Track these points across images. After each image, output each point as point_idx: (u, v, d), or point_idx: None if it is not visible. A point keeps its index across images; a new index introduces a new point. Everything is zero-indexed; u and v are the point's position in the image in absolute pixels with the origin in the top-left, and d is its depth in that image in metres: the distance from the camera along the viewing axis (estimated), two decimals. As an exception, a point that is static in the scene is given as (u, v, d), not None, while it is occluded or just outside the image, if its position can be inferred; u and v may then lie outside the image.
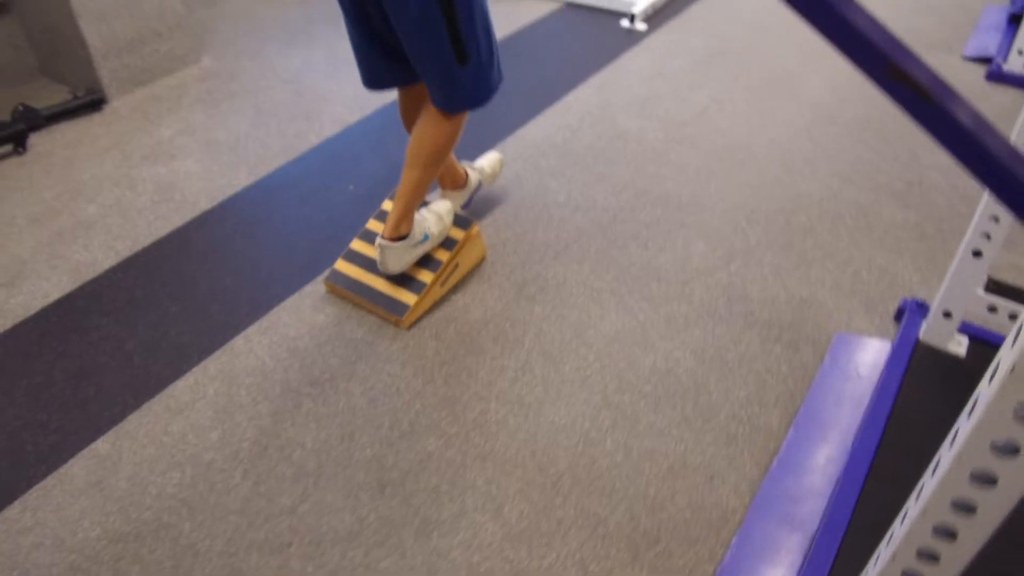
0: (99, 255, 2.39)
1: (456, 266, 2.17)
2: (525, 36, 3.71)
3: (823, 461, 1.70)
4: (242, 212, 2.55)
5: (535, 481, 1.67)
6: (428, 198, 2.29)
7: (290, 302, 2.17)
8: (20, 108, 3.03)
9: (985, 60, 3.30)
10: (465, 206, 2.38)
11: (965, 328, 1.94)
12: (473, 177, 2.38)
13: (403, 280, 2.10)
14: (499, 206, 2.52)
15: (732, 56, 3.39)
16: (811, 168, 2.64)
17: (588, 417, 1.81)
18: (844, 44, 0.58)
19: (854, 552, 1.41)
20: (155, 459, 1.76)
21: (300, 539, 1.58)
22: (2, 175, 2.81)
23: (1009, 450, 0.81)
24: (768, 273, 2.20)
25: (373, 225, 2.23)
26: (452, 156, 2.27)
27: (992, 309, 1.87)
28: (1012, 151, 0.57)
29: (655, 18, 3.80)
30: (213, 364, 1.99)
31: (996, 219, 1.68)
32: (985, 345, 1.92)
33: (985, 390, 0.83)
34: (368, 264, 2.14)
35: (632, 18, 3.70)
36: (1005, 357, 0.80)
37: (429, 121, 1.93)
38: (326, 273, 2.20)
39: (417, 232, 2.05)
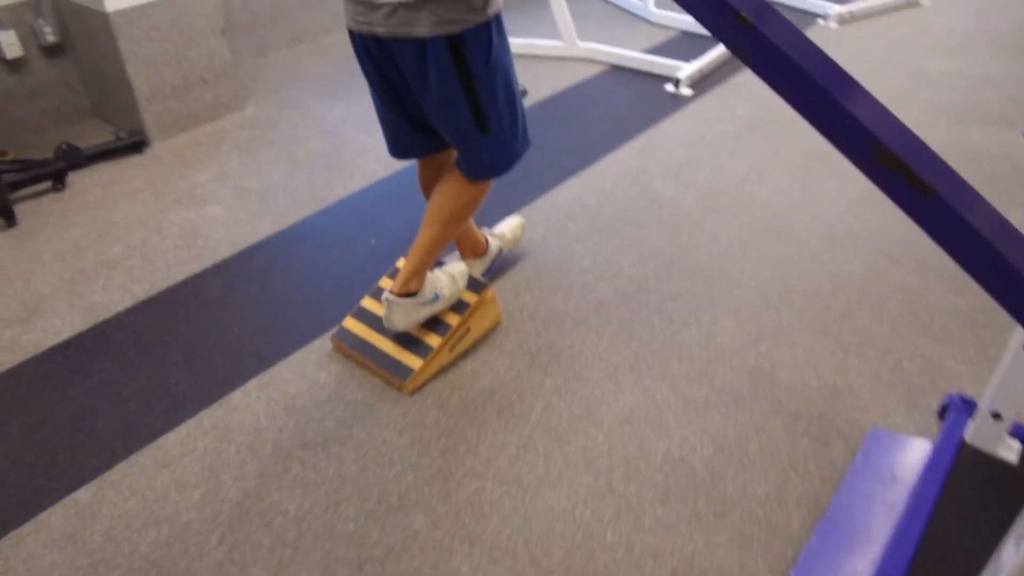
0: (115, 296, 2.37)
1: (467, 331, 2.08)
2: (567, 97, 3.67)
3: (848, 575, 1.53)
4: (261, 261, 2.51)
5: (525, 573, 1.54)
6: (445, 259, 2.22)
7: (295, 357, 2.10)
8: (63, 147, 3.09)
9: (1049, 141, 3.12)
10: (486, 273, 2.32)
11: (1017, 431, 1.76)
12: (494, 245, 2.33)
13: (410, 343, 2.02)
14: (520, 269, 2.43)
15: (777, 126, 3.29)
16: (854, 246, 2.50)
17: (590, 505, 1.67)
18: (820, 117, 0.48)
19: None
20: (134, 514, 1.69)
21: (267, 618, 1.47)
22: (39, 211, 2.85)
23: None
24: (800, 357, 2.05)
25: (386, 283, 2.17)
26: (472, 223, 2.22)
27: (1047, 414, 1.69)
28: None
29: (701, 84, 3.73)
30: (208, 417, 1.92)
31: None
32: (1039, 454, 1.73)
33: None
34: (376, 323, 2.06)
35: (677, 83, 3.64)
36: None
37: (453, 182, 1.90)
38: (335, 329, 2.13)
39: (427, 291, 1.97)
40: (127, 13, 3.05)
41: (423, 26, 1.61)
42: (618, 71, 3.94)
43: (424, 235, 1.92)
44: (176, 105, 3.34)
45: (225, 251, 2.57)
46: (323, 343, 2.15)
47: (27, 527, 1.68)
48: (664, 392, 1.95)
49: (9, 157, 3.23)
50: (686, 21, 4.46)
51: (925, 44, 4.14)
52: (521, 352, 2.10)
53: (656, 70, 3.85)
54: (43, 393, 2.02)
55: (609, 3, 5.03)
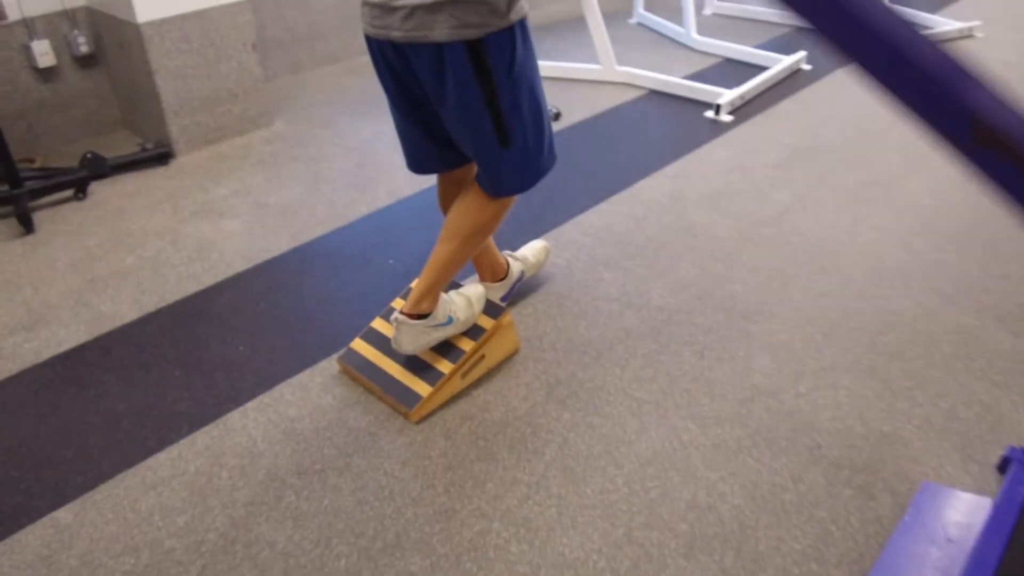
0: (123, 308, 2.29)
1: (482, 358, 1.95)
2: (602, 120, 3.56)
3: (895, 651, 1.34)
4: (273, 277, 2.42)
5: (529, 628, 1.38)
6: (462, 281, 2.10)
7: (299, 378, 1.99)
8: (88, 156, 3.06)
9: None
10: (504, 299, 2.18)
11: (1090, 494, 1.56)
12: (515, 268, 2.19)
13: (419, 368, 1.89)
14: (542, 295, 2.30)
15: (822, 155, 3.13)
16: (904, 282, 2.32)
17: (605, 554, 1.51)
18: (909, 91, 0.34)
19: None
20: (114, 538, 1.57)
21: (241, 665, 1.34)
22: (57, 219, 2.81)
23: None
24: (844, 400, 1.88)
25: (399, 304, 2.05)
26: (492, 245, 2.10)
27: None
28: None
29: (743, 111, 3.59)
30: (202, 438, 1.81)
31: None
32: (1117, 521, 1.53)
33: None
34: (386, 346, 1.94)
35: (717, 108, 3.50)
36: None
37: (473, 198, 1.79)
38: (342, 351, 2.01)
39: (440, 313, 1.84)
40: (158, 24, 3.03)
41: (441, 30, 1.50)
42: (656, 96, 3.82)
43: (439, 253, 1.80)
44: (204, 118, 3.30)
45: (238, 266, 2.49)
46: (330, 365, 2.03)
47: (1, 547, 1.57)
48: (692, 432, 1.79)
49: (37, 165, 3.21)
50: (729, 48, 4.34)
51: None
52: (538, 383, 1.96)
53: (696, 96, 3.73)
54: (36, 405, 1.93)
55: (650, 30, 4.94)
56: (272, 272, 2.45)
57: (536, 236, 2.56)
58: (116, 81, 3.44)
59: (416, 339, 1.84)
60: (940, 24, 4.67)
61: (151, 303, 2.31)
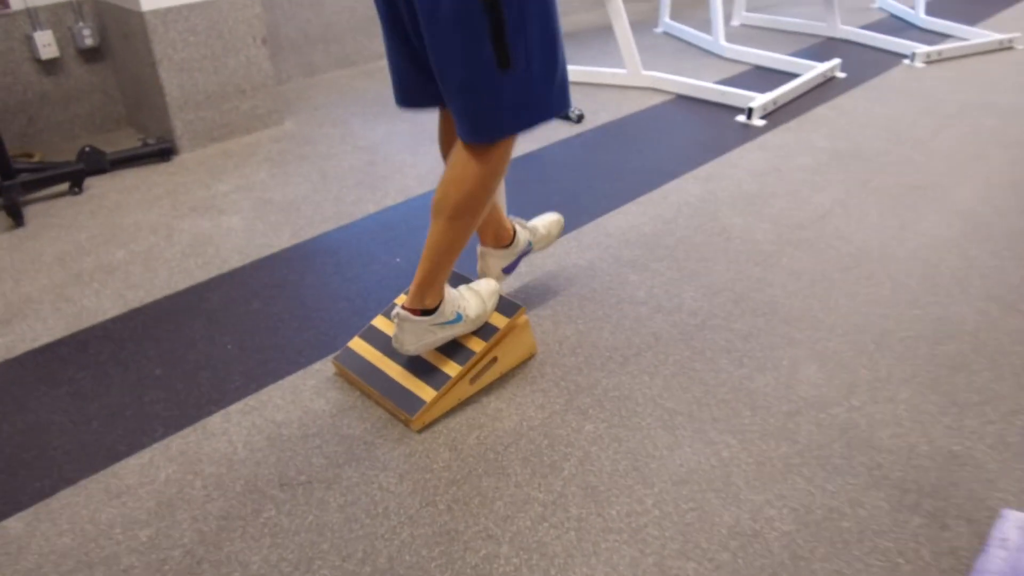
0: (107, 303, 2.12)
1: (493, 360, 1.74)
2: (627, 123, 3.37)
3: None
4: (271, 274, 2.23)
5: (541, 674, 1.16)
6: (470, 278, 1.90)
7: (290, 380, 1.79)
8: (87, 149, 2.91)
9: None
10: (508, 270, 1.95)
11: None
12: (522, 236, 1.93)
13: (423, 370, 1.69)
14: (562, 295, 2.09)
15: (863, 160, 2.91)
16: (961, 289, 2.09)
17: (632, 586, 1.29)
18: None
19: None
20: (66, 552, 1.37)
21: None
22: (50, 212, 2.65)
23: None
24: (904, 415, 1.65)
25: (402, 300, 1.85)
26: (499, 207, 1.86)
27: None
28: None
29: (775, 116, 3.39)
30: (177, 443, 1.61)
31: None
32: None
33: None
34: (387, 346, 1.74)
35: (750, 112, 3.30)
36: None
37: (457, 161, 1.51)
38: (340, 351, 1.82)
39: (447, 309, 1.64)
40: (163, 14, 2.89)
41: None
42: (684, 101, 3.63)
43: (431, 233, 1.56)
44: (209, 114, 3.15)
45: (234, 261, 2.31)
46: (325, 367, 1.83)
47: (-58, 561, 1.37)
48: (733, 448, 1.56)
49: (35, 160, 3.07)
50: (759, 55, 4.15)
51: (1018, 85, 3.73)
52: (557, 390, 1.75)
53: (726, 100, 3.54)
54: (1, 402, 1.75)
55: (677, 39, 4.77)
56: (270, 268, 2.27)
57: (556, 236, 2.37)
58: (121, 76, 3.31)
59: (419, 337, 1.63)
60: (979, 36, 4.46)
61: (136, 298, 2.13)
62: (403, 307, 1.62)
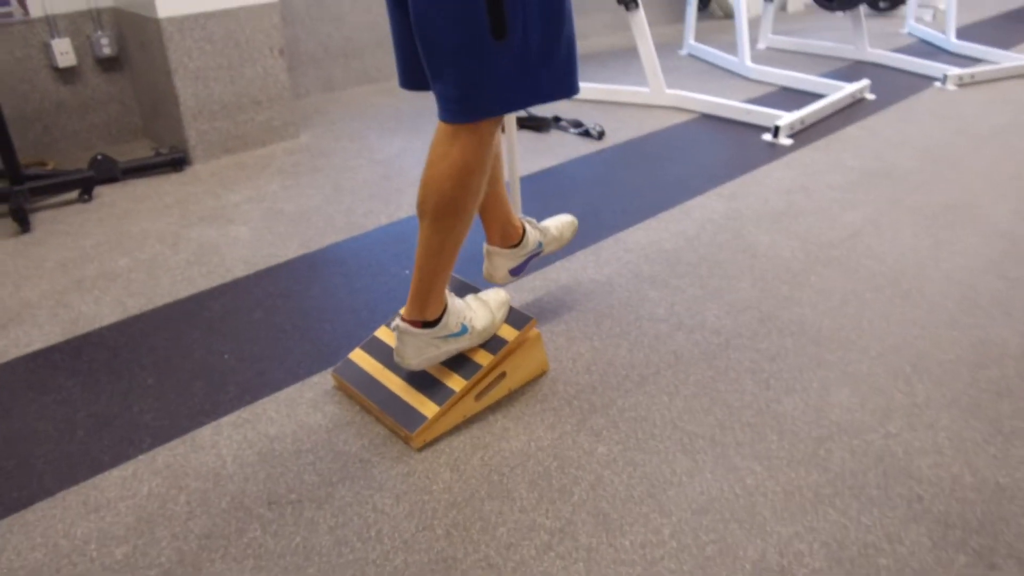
0: (105, 309, 2.05)
1: (502, 376, 1.64)
2: (649, 140, 3.29)
3: None
4: (275, 284, 2.15)
5: None
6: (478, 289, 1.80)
7: (287, 393, 1.70)
8: (98, 157, 2.88)
9: None
10: (516, 272, 1.84)
11: None
12: (532, 236, 1.81)
13: (425, 384, 1.59)
14: (577, 311, 1.99)
15: (895, 179, 2.79)
16: (1003, 311, 1.96)
17: (646, 624, 1.17)
18: None
19: None
20: (36, 569, 1.28)
21: None
22: (58, 219, 2.61)
23: None
24: (945, 443, 1.51)
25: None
26: (507, 201, 1.74)
27: None
28: None
29: (803, 136, 3.28)
30: (163, 456, 1.52)
31: None
32: None
33: None
34: (389, 359, 1.65)
35: (776, 131, 3.20)
36: None
37: (435, 154, 1.39)
38: (340, 363, 1.72)
39: (452, 321, 1.54)
40: (180, 21, 2.86)
41: None
42: (708, 120, 3.54)
43: (419, 237, 1.46)
44: (224, 124, 3.11)
45: (239, 271, 2.23)
46: (324, 379, 1.74)
47: (-93, 575, 1.29)
48: (758, 475, 1.44)
49: (49, 168, 3.04)
50: (786, 76, 4.06)
51: (1066, 109, 3.60)
52: (569, 409, 1.64)
53: (752, 119, 3.44)
54: (-13, 410, 1.67)
55: (701, 60, 4.69)
56: (275, 278, 2.19)
57: (570, 253, 2.27)
58: (138, 86, 3.28)
59: (421, 351, 1.53)
60: (1011, 60, 4.34)
61: (136, 306, 2.06)
62: (403, 318, 1.52)
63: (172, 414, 1.64)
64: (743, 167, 2.95)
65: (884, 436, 1.53)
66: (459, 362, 1.61)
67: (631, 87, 3.84)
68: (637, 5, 3.60)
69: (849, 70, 4.34)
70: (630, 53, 4.30)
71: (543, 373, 1.75)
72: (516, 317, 1.68)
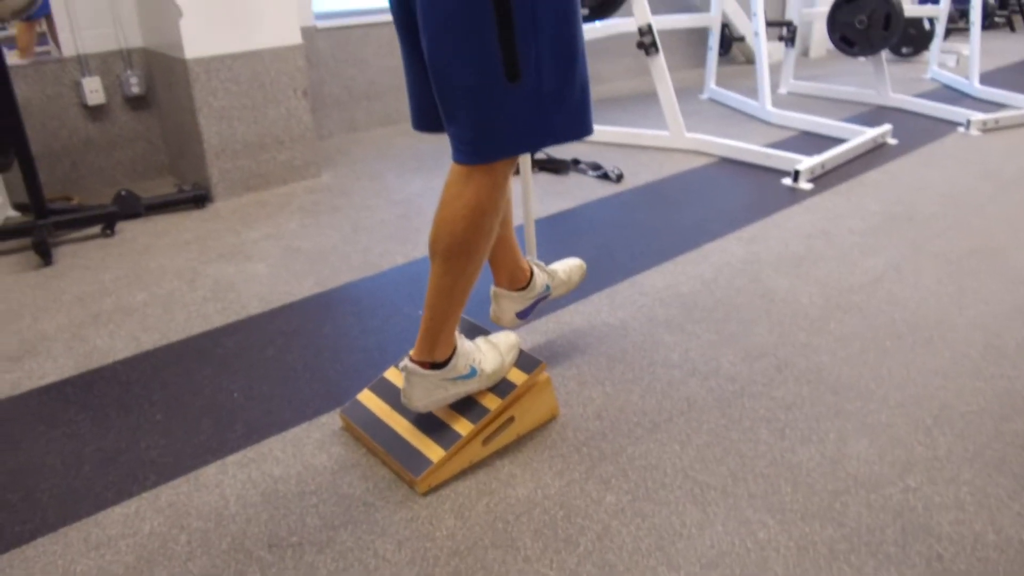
0: (119, 344, 2.06)
1: (510, 420, 1.61)
2: (668, 184, 3.29)
3: None
4: (289, 322, 2.16)
5: None
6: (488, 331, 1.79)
7: (294, 433, 1.68)
8: (122, 193, 2.93)
9: None
10: (523, 315, 1.82)
11: None
12: (539, 279, 1.80)
13: (432, 426, 1.57)
14: (589, 354, 1.97)
15: (918, 224, 2.76)
16: (1032, 365, 1.90)
17: None
18: None
19: None
20: (35, 613, 1.26)
21: None
22: (79, 253, 2.65)
23: None
24: (968, 499, 1.46)
25: (417, 350, 1.74)
26: (515, 243, 1.74)
27: None
28: None
29: (823, 180, 3.26)
30: (167, 493, 1.51)
31: None
32: None
33: None
34: (397, 400, 1.63)
35: (796, 175, 3.18)
36: None
37: (448, 194, 1.39)
38: (348, 403, 1.71)
39: (460, 363, 1.53)
40: (207, 62, 2.93)
41: None
42: (728, 164, 3.53)
43: (430, 277, 1.46)
44: (246, 163, 3.15)
45: (254, 308, 2.24)
46: (332, 420, 1.73)
47: (-94, 610, 1.28)
48: (771, 529, 1.40)
49: (74, 203, 3.10)
50: (807, 120, 4.06)
51: (1095, 156, 3.55)
52: (578, 456, 1.60)
53: (772, 163, 3.43)
54: (-3, 443, 1.68)
55: (722, 104, 4.71)
56: (289, 316, 2.19)
57: (584, 296, 2.26)
58: (165, 125, 3.36)
59: (429, 393, 1.52)
60: (1042, 104, 4.31)
61: (151, 341, 2.07)
62: (411, 359, 1.51)
63: (178, 451, 1.63)
64: (762, 211, 2.93)
65: (903, 490, 1.48)
66: (467, 405, 1.59)
67: (651, 131, 3.86)
68: (657, 50, 3.63)
69: (871, 115, 4.33)
70: (650, 97, 4.32)
71: (553, 418, 1.72)
72: (526, 360, 1.66)
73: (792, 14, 4.88)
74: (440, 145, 3.80)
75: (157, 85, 3.25)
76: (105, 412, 1.77)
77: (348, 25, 3.98)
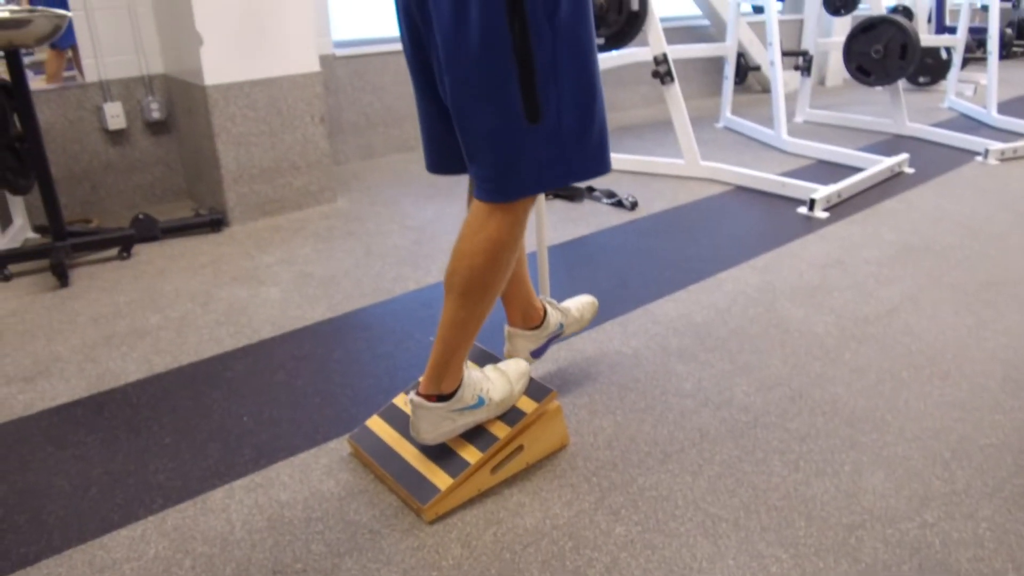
0: (131, 366, 2.07)
1: (519, 449, 1.60)
2: (682, 212, 3.28)
3: None
4: (300, 346, 2.16)
5: None
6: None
7: (302, 458, 1.67)
8: (140, 217, 2.96)
9: None
10: (537, 353, 1.82)
11: None
12: (553, 318, 1.81)
13: (441, 454, 1.55)
14: (601, 383, 1.95)
15: (935, 254, 2.73)
16: (1053, 399, 1.86)
17: None
18: None
19: None
20: (37, 637, 1.25)
21: None
22: (96, 275, 2.67)
23: None
24: (987, 535, 1.42)
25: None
26: (528, 282, 1.74)
27: None
28: None
29: (839, 209, 3.24)
30: (173, 517, 1.50)
31: None
32: None
33: None
34: (405, 426, 1.62)
35: (811, 204, 3.17)
36: None
37: (469, 229, 1.39)
38: (357, 429, 1.70)
39: (467, 394, 1.52)
40: (225, 88, 2.97)
41: None
42: (743, 192, 3.52)
43: (444, 310, 1.46)
44: (263, 188, 3.18)
45: (266, 332, 2.25)
46: (341, 445, 1.72)
47: (-90, 632, 1.27)
48: (784, 563, 1.37)
49: (93, 225, 3.14)
50: (823, 149, 4.05)
51: (1117, 187, 3.51)
52: (588, 486, 1.58)
53: (787, 192, 3.42)
54: (5, 460, 1.68)
55: (738, 133, 4.71)
56: (300, 341, 2.20)
57: (596, 324, 2.24)
58: (184, 150, 3.40)
59: (436, 426, 1.51)
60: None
61: (162, 364, 2.08)
62: (417, 393, 1.50)
63: (186, 475, 1.62)
64: (777, 240, 2.91)
65: (920, 525, 1.45)
66: (476, 433, 1.57)
67: (666, 159, 3.86)
68: (672, 79, 3.65)
69: (888, 144, 4.32)
70: (666, 125, 4.33)
71: (563, 447, 1.70)
72: (536, 389, 1.65)
73: (808, 44, 4.89)
74: (457, 175, 3.82)
75: (177, 111, 3.30)
76: (114, 434, 1.77)
77: (366, 53, 4.03)
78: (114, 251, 2.84)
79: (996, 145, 3.98)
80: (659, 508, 1.51)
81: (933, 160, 3.97)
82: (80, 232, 2.79)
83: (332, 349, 2.15)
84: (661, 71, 3.64)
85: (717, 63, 5.54)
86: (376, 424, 1.68)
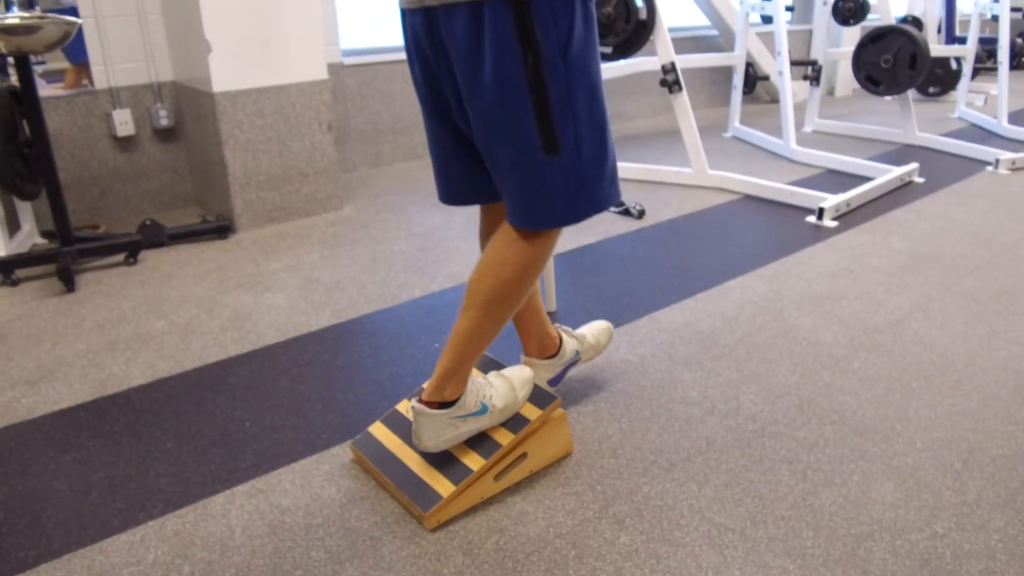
0: (135, 371, 2.06)
1: (523, 456, 1.58)
2: (690, 220, 3.26)
3: None
4: (303, 353, 2.15)
5: None
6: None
7: (303, 464, 1.66)
8: (147, 223, 2.96)
9: None
10: (553, 382, 1.82)
11: None
12: (569, 346, 1.81)
13: (443, 461, 1.54)
14: (607, 391, 1.93)
15: (944, 264, 2.70)
16: (1066, 410, 1.83)
17: None
18: None
19: None
20: (34, 643, 1.24)
21: None
22: (102, 280, 2.68)
23: None
24: (998, 547, 1.39)
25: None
26: (543, 311, 1.75)
27: None
28: None
29: (848, 218, 3.22)
30: (173, 523, 1.49)
31: None
32: None
33: None
34: (408, 433, 1.60)
35: (820, 213, 3.15)
36: None
37: (499, 242, 1.41)
38: (359, 436, 1.69)
39: (470, 401, 1.50)
40: (233, 96, 2.98)
41: None
42: (751, 201, 3.51)
43: (461, 321, 1.45)
44: (270, 195, 3.19)
45: (270, 337, 2.24)
46: (343, 452, 1.70)
47: (-93, 636, 1.26)
48: (791, 574, 1.34)
49: (101, 231, 3.15)
50: (832, 159, 4.02)
51: None
52: (592, 494, 1.56)
53: (796, 201, 3.40)
54: (6, 464, 1.67)
55: (746, 143, 4.70)
56: (304, 347, 2.19)
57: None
58: (192, 156, 3.41)
59: (439, 433, 1.49)
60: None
61: (166, 369, 2.07)
62: (420, 400, 1.48)
63: (187, 480, 1.61)
64: (786, 249, 2.89)
65: (930, 536, 1.42)
66: (479, 440, 1.56)
67: (674, 167, 3.85)
68: (680, 88, 3.64)
69: (897, 154, 4.29)
70: (674, 134, 4.33)
71: (567, 454, 1.68)
72: (541, 395, 1.63)
73: (817, 53, 4.88)
74: (462, 179, 3.82)
75: (185, 118, 3.31)
76: (116, 439, 1.76)
77: (375, 62, 4.04)
78: (121, 257, 2.85)
79: (1007, 155, 3.95)
80: (664, 517, 1.49)
81: (943, 170, 3.94)
82: (87, 238, 2.80)
83: (336, 355, 2.14)
84: (669, 80, 3.63)
85: (726, 73, 5.53)
86: (378, 430, 1.66)
